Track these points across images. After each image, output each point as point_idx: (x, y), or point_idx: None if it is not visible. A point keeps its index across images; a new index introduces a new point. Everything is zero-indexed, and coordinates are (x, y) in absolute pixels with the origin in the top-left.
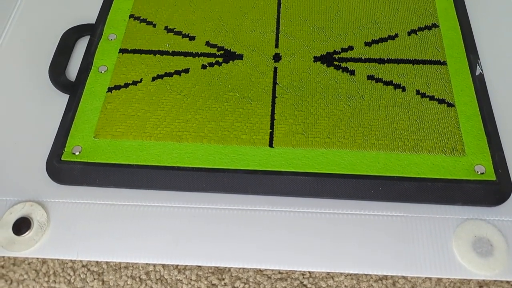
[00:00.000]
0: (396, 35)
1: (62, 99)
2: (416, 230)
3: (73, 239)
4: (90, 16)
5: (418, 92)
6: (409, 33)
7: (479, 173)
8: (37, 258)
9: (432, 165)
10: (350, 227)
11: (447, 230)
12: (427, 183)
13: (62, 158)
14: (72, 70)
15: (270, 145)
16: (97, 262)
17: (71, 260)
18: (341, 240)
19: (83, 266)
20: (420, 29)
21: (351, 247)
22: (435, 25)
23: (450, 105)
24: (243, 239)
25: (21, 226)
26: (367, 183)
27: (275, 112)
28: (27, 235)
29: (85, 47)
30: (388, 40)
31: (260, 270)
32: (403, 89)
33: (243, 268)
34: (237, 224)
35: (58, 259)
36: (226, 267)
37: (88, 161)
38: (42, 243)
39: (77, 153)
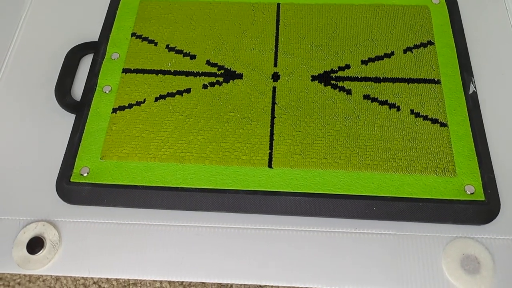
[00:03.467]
0: (392, 53)
1: (68, 119)
2: (407, 248)
3: (84, 257)
4: (92, 34)
5: (412, 111)
6: (404, 51)
7: (469, 193)
8: (51, 276)
9: (424, 185)
10: (345, 244)
11: (437, 248)
12: (419, 203)
13: (71, 180)
14: (77, 89)
15: (269, 165)
16: (107, 279)
17: (83, 277)
18: (337, 257)
19: (94, 282)
20: (416, 46)
21: (346, 264)
22: (430, 43)
23: (443, 125)
24: (244, 256)
25: (35, 245)
26: (362, 203)
27: (274, 132)
28: (41, 254)
29: (89, 66)
30: (384, 58)
31: (260, 286)
32: (398, 108)
33: (244, 284)
34: (239, 242)
35: (70, 276)
36: (228, 283)
37: (96, 182)
38: (55, 261)
39: (85, 174)
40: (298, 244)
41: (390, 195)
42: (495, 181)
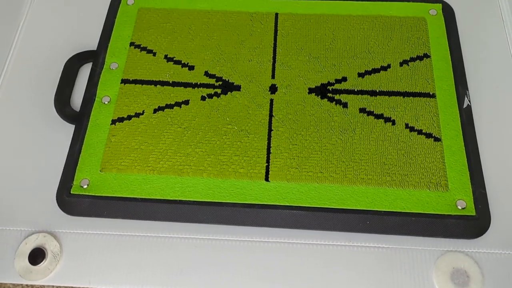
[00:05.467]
0: (389, 66)
1: (68, 130)
2: (399, 261)
3: (84, 268)
4: (91, 42)
5: (407, 125)
6: (401, 64)
7: (460, 208)
8: (52, 286)
9: (417, 200)
10: (339, 257)
11: (428, 261)
12: (411, 217)
13: (71, 192)
14: (76, 99)
15: (266, 179)
16: None
17: None
18: (331, 270)
19: None
20: (412, 59)
21: (340, 276)
22: (426, 55)
23: (437, 139)
24: (241, 268)
25: (37, 256)
26: (356, 217)
27: (271, 145)
28: (43, 264)
29: (88, 75)
30: (381, 71)
31: None
32: (393, 122)
33: None
34: (236, 254)
35: (71, 287)
36: None
37: (96, 194)
38: (57, 272)
39: (85, 186)
40: (293, 256)
41: (384, 210)
42: (486, 196)
